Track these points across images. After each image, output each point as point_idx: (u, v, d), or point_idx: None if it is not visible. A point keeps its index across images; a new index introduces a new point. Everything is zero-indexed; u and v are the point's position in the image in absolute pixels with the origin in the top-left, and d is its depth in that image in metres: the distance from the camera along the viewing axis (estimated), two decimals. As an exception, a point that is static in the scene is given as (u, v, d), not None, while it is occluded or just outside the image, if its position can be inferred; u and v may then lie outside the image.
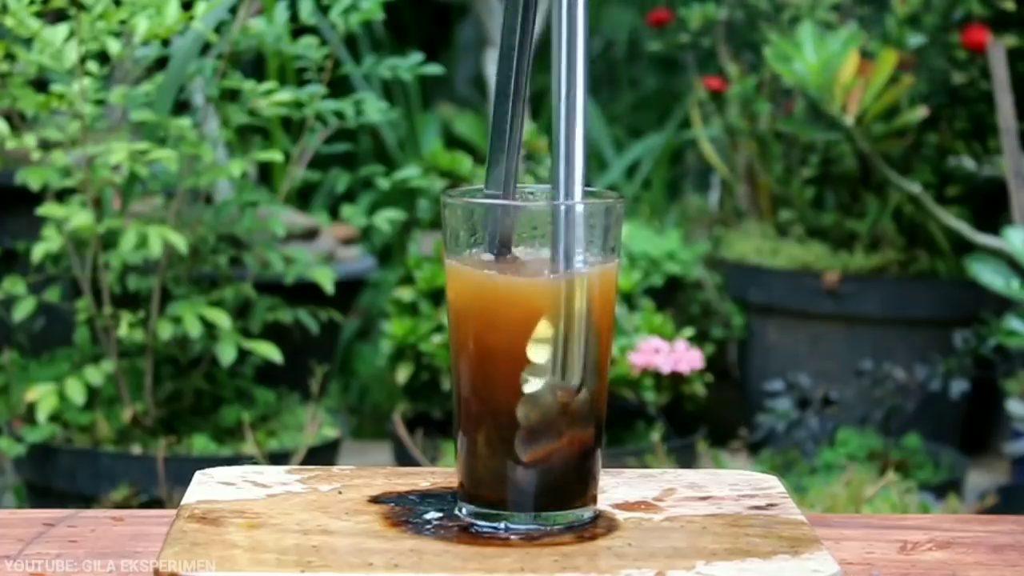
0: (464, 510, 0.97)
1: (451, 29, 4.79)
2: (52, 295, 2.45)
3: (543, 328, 0.94)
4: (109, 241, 2.43)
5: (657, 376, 2.75)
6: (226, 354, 2.39)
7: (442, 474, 1.06)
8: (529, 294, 0.94)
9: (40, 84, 2.42)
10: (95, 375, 2.37)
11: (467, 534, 0.95)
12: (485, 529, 0.96)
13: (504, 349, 0.95)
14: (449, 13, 4.78)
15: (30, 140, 2.28)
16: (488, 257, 0.96)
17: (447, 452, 2.66)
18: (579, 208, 0.94)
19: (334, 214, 3.47)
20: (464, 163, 2.81)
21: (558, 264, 0.93)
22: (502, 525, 0.96)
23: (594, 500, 0.98)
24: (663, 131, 4.30)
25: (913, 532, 1.03)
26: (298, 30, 2.47)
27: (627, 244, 3.34)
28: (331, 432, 2.56)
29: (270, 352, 2.42)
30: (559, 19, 0.94)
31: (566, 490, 0.96)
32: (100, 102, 2.35)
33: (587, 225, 0.95)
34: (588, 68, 0.95)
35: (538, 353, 0.94)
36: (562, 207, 0.94)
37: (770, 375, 3.20)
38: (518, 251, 0.96)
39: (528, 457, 0.95)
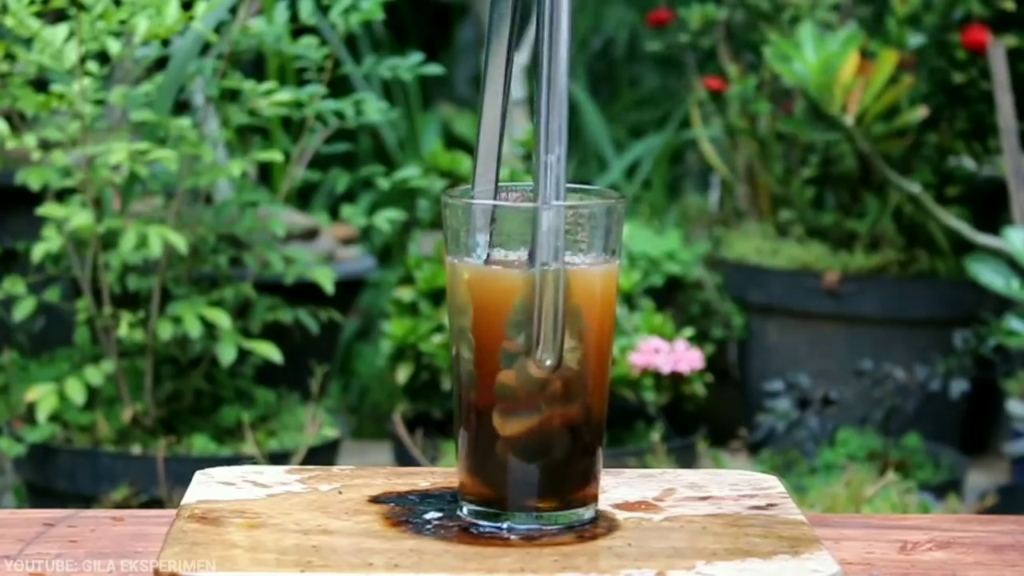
0: (465, 509, 0.97)
1: (451, 29, 4.79)
2: (52, 295, 2.45)
3: (520, 305, 0.94)
4: (109, 241, 2.43)
5: (657, 376, 2.75)
6: (226, 354, 2.39)
7: (442, 474, 1.06)
8: (516, 285, 0.94)
9: (40, 84, 2.42)
10: (95, 375, 2.37)
11: (467, 534, 0.95)
12: (486, 529, 0.96)
13: (499, 346, 0.95)
14: (449, 13, 4.78)
15: (30, 140, 2.28)
16: (484, 253, 0.96)
17: (447, 452, 2.66)
18: (557, 205, 0.94)
19: (334, 214, 3.47)
20: (464, 163, 2.81)
21: (540, 254, 0.94)
22: (504, 525, 0.96)
23: (595, 500, 0.98)
24: (663, 131, 4.30)
25: (913, 532, 1.03)
26: (298, 30, 2.47)
27: (627, 244, 3.34)
28: (331, 432, 2.56)
29: (270, 352, 2.42)
30: (543, 16, 0.95)
31: (567, 489, 0.96)
32: (100, 102, 2.35)
33: (591, 226, 0.95)
34: (570, 59, 0.95)
35: (514, 329, 0.94)
36: (542, 204, 0.94)
37: (770, 375, 3.20)
38: (511, 249, 0.96)
39: (505, 431, 0.95)
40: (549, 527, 0.95)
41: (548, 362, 0.95)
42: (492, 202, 0.98)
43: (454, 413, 0.99)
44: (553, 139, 0.94)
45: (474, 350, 0.96)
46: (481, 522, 0.96)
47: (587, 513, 0.97)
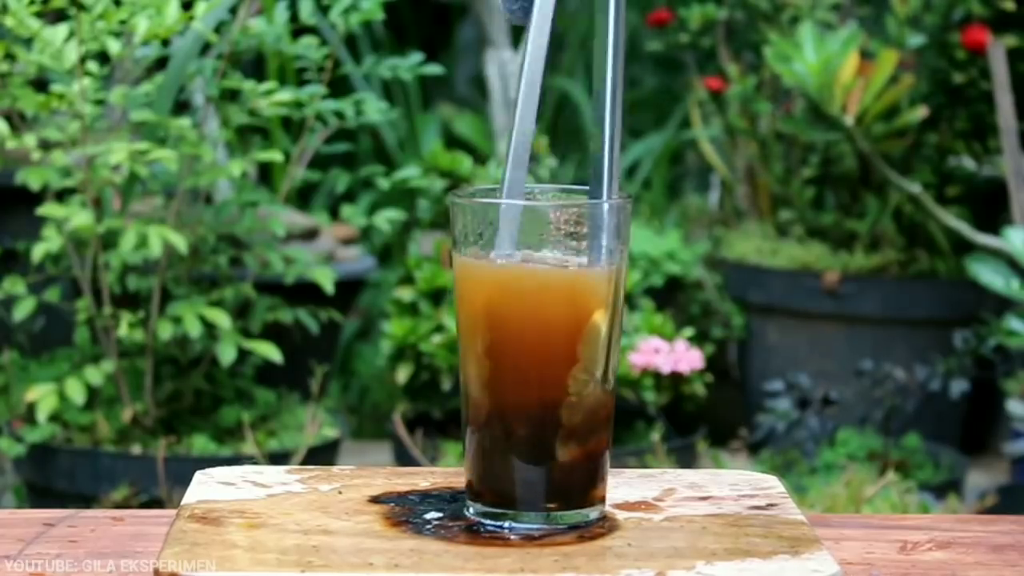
0: (472, 509, 0.97)
1: (451, 29, 4.79)
2: (52, 295, 2.45)
3: (596, 325, 0.93)
4: (109, 241, 2.43)
5: (657, 376, 2.75)
6: (226, 354, 2.39)
7: (442, 474, 1.06)
8: (568, 289, 0.94)
9: (40, 84, 2.42)
10: (95, 375, 2.37)
11: (467, 534, 0.95)
12: (491, 528, 0.95)
13: (520, 347, 0.94)
14: (449, 13, 4.78)
15: (30, 140, 2.28)
16: (518, 254, 0.95)
17: (447, 452, 2.66)
18: (626, 205, 0.95)
19: (334, 214, 3.47)
20: (464, 163, 2.81)
21: (600, 261, 0.93)
22: (505, 524, 0.96)
23: (603, 500, 0.98)
24: (663, 131, 4.29)
25: (913, 532, 1.03)
26: (298, 30, 2.47)
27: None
28: (331, 432, 2.56)
29: (270, 352, 2.42)
30: (605, 21, 0.95)
31: (577, 490, 0.96)
32: (100, 102, 2.35)
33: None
34: (625, 70, 0.96)
35: (589, 352, 0.94)
36: (607, 204, 0.94)
37: (770, 375, 3.20)
38: (547, 250, 0.95)
39: (564, 456, 0.95)
40: (555, 527, 0.95)
41: (610, 381, 0.95)
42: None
43: (462, 414, 0.98)
44: (615, 137, 0.95)
45: (512, 357, 0.95)
46: (488, 521, 0.96)
47: (593, 513, 0.97)
